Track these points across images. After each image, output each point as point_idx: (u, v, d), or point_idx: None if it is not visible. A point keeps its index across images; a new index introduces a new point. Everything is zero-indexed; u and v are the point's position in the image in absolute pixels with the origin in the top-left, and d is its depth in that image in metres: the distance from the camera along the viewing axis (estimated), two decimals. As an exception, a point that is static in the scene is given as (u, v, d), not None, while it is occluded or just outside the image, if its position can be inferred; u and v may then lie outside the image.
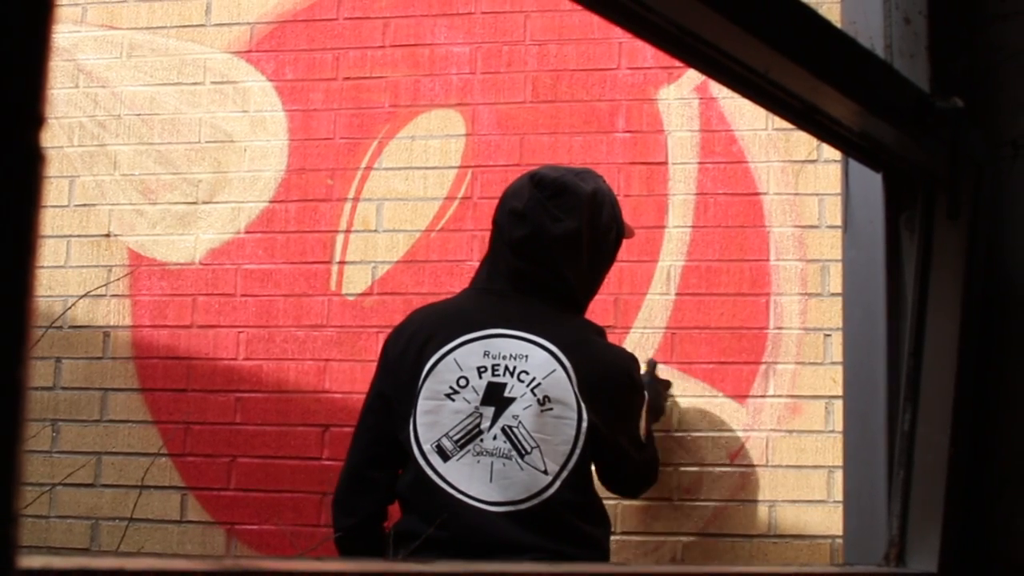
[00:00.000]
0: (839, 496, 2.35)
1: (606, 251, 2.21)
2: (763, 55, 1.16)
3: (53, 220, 3.04)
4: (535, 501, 2.02)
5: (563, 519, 2.04)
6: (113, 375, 2.98)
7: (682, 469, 2.70)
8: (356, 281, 2.92)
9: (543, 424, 2.04)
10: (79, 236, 3.05)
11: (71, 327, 3.01)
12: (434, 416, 2.06)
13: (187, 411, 2.93)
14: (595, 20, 2.80)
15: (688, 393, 2.71)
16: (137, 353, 2.98)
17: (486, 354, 2.07)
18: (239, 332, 2.94)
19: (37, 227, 0.46)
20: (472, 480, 2.03)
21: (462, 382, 2.06)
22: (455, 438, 2.05)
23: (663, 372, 2.72)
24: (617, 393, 2.12)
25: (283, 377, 2.90)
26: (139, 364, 2.97)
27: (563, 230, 2.09)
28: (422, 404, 2.06)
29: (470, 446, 2.04)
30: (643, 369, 2.63)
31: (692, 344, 2.74)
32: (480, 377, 2.06)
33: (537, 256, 2.11)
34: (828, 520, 2.62)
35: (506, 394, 2.05)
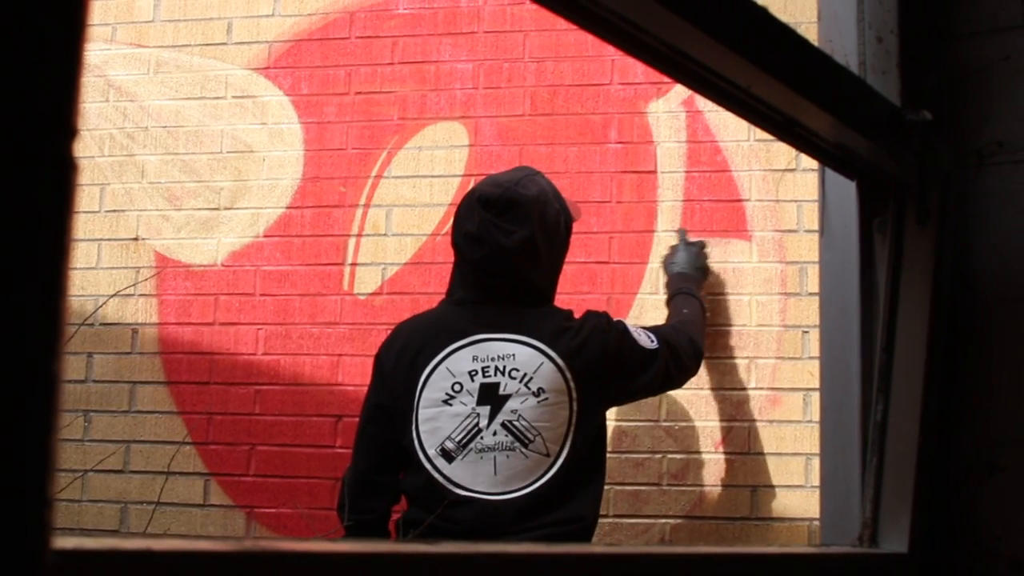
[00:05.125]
0: (816, 482, 2.35)
1: (560, 242, 2.19)
2: (746, 72, 1.16)
3: (85, 225, 3.04)
4: (540, 483, 2.04)
5: (566, 494, 2.06)
6: (141, 369, 2.98)
7: (670, 456, 2.70)
8: (367, 281, 2.91)
9: (541, 413, 2.05)
10: (109, 240, 3.05)
11: (102, 324, 3.01)
12: (434, 423, 2.07)
13: (210, 403, 2.92)
14: (589, 39, 2.80)
15: (676, 386, 2.70)
16: (163, 349, 2.98)
17: (475, 358, 2.08)
18: (258, 329, 2.94)
19: (70, 231, 0.45)
20: (477, 476, 2.04)
21: (456, 387, 2.07)
22: (457, 439, 2.06)
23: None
24: (606, 357, 2.12)
25: (299, 371, 2.90)
26: (165, 359, 2.97)
27: (517, 240, 2.08)
28: (422, 413, 2.07)
29: (471, 444, 2.05)
30: (676, 240, 2.68)
31: (679, 340, 2.73)
32: (473, 380, 2.07)
33: (499, 269, 2.10)
34: (806, 504, 2.62)
35: (500, 392, 2.06)
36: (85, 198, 3.05)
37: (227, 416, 2.91)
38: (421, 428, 2.07)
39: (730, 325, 2.73)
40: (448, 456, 2.05)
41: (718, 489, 2.68)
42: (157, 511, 2.87)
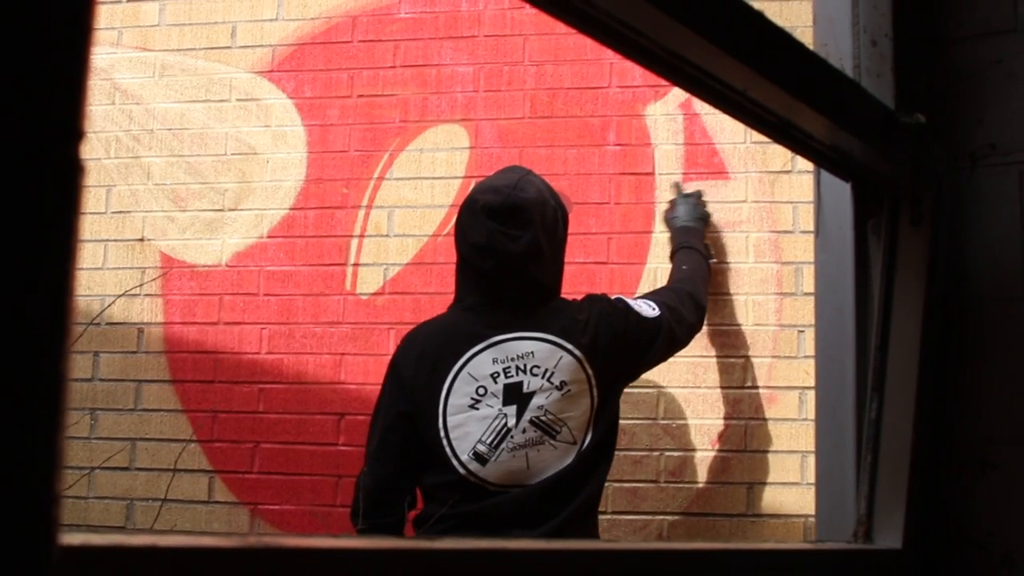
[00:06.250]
0: (812, 479, 2.35)
1: (559, 236, 2.19)
2: (742, 75, 1.16)
3: (91, 226, 3.04)
4: (566, 469, 2.07)
5: (583, 475, 2.08)
6: (146, 368, 2.98)
7: (667, 454, 2.70)
8: (369, 282, 2.91)
9: (565, 405, 2.08)
10: (115, 240, 3.05)
11: (108, 324, 3.01)
12: (463, 428, 2.06)
13: (214, 401, 2.92)
14: (588, 42, 2.80)
15: (673, 384, 2.71)
16: (168, 348, 2.98)
17: (495, 361, 2.08)
18: (262, 328, 2.94)
19: (77, 232, 0.46)
20: (511, 473, 2.06)
21: (481, 391, 2.07)
22: (488, 442, 2.06)
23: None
24: (616, 339, 2.14)
25: (302, 370, 2.90)
26: (170, 358, 2.97)
27: (524, 245, 2.08)
28: (450, 420, 2.07)
29: (503, 444, 2.06)
30: (673, 195, 2.71)
31: (677, 339, 2.73)
32: (496, 382, 2.07)
33: (507, 275, 2.10)
34: (802, 501, 2.62)
35: (525, 390, 2.07)
36: (91, 199, 3.05)
37: (231, 414, 2.91)
38: (451, 434, 2.07)
39: (727, 324, 2.73)
40: (481, 459, 2.06)
41: (715, 486, 2.68)
42: (163, 508, 2.87)
